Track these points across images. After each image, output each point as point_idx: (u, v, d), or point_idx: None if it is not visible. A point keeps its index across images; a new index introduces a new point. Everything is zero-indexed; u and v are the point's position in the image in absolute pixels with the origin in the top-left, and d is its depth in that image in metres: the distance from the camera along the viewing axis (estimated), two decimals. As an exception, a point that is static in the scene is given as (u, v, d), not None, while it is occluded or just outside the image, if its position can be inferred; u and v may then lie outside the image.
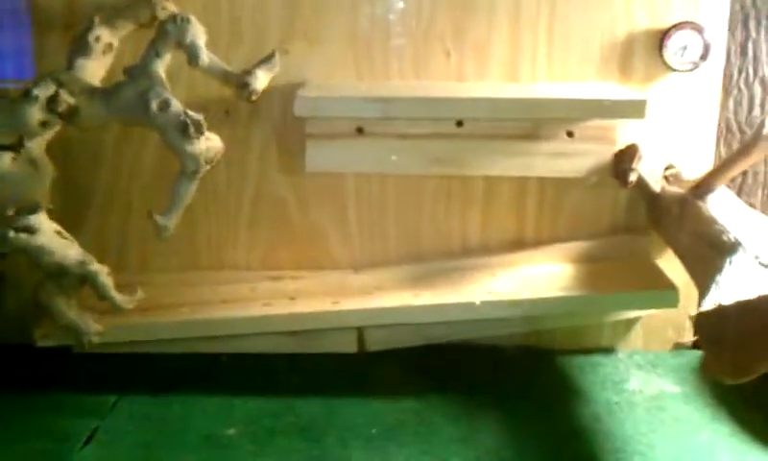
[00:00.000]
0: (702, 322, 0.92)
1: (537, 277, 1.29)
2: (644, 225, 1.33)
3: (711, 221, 1.12)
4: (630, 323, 1.38)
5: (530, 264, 1.33)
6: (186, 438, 1.14)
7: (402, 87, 1.27)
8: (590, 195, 1.34)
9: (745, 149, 1.15)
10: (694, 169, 1.30)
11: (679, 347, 1.39)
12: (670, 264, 1.29)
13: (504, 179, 1.33)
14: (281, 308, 1.25)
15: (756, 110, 1.31)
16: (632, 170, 1.23)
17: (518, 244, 1.35)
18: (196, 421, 1.18)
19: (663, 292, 1.23)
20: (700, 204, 1.17)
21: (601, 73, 1.30)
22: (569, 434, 1.15)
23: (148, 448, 1.12)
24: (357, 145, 1.29)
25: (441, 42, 1.29)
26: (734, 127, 1.32)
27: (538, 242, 1.35)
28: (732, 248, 1.03)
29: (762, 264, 0.99)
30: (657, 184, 1.29)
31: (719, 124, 1.31)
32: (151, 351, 1.31)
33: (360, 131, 1.28)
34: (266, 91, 1.24)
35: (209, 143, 1.12)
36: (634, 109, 1.18)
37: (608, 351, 1.38)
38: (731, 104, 1.31)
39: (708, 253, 1.08)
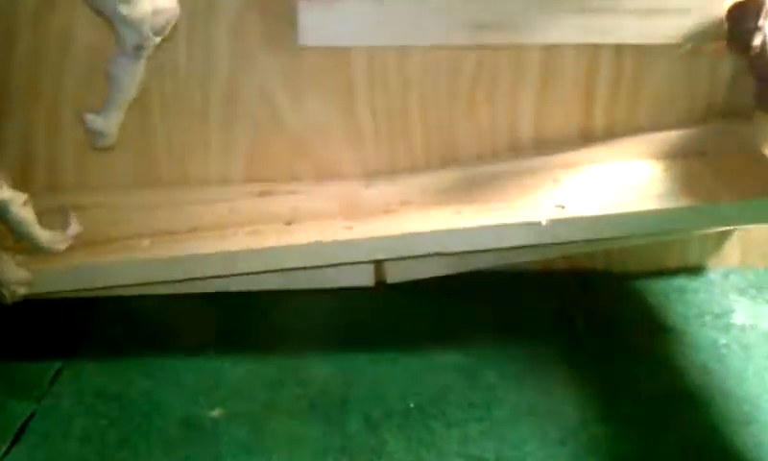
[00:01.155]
0: None
1: (614, 181, 0.96)
2: (750, 107, 1.00)
3: None
4: (723, 234, 1.07)
5: (601, 163, 1.00)
6: (154, 423, 0.83)
7: None
8: (681, 68, 0.99)
9: None
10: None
11: (786, 262, 1.09)
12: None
13: (567, 49, 0.98)
14: (274, 238, 0.91)
15: None
16: (757, 29, 0.89)
17: (585, 137, 1.02)
18: (167, 397, 0.86)
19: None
20: None
21: None
22: (674, 395, 0.86)
23: (101, 442, 0.80)
24: (369, 6, 0.93)
25: None
26: None
27: (611, 133, 1.01)
28: None
29: None
30: (777, 50, 0.95)
31: None
32: (105, 296, 0.99)
33: (373, -14, 0.92)
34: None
35: (158, 3, 0.76)
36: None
37: (696, 270, 1.07)
38: None
39: None
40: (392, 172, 1.03)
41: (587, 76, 0.99)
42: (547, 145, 1.01)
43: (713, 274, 1.07)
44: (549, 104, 1.00)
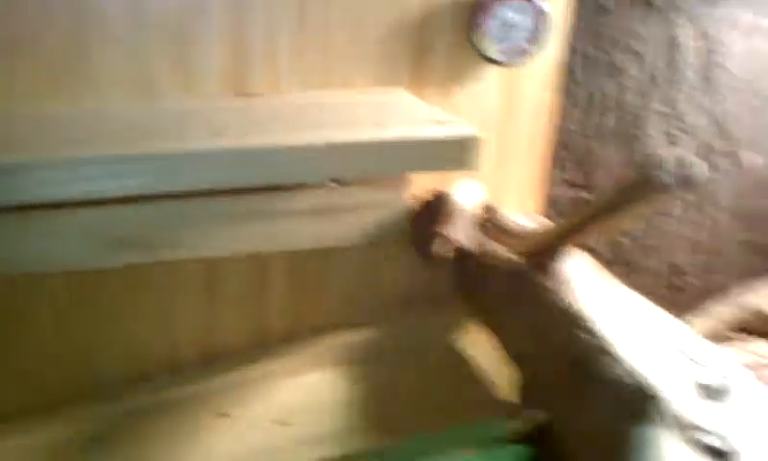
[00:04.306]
0: None
1: (285, 405, 0.77)
2: (448, 294, 0.87)
3: (579, 321, 0.67)
4: None
5: (279, 377, 0.81)
6: None
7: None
8: (363, 262, 0.84)
9: (621, 198, 0.69)
10: (522, 207, 0.86)
11: None
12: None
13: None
14: None
15: (610, 118, 0.88)
16: (436, 235, 0.75)
17: (260, 345, 0.83)
18: None
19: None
20: (547, 285, 0.72)
21: (378, 73, 0.79)
22: None
23: None
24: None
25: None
26: (579, 144, 0.88)
27: (289, 337, 0.84)
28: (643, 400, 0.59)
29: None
30: (471, 239, 0.82)
31: (559, 139, 0.88)
32: None
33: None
34: None
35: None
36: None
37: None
38: (573, 111, 0.87)
39: (585, 389, 0.63)
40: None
41: (256, 280, 0.81)
42: (214, 362, 0.81)
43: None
44: (215, 313, 0.81)
